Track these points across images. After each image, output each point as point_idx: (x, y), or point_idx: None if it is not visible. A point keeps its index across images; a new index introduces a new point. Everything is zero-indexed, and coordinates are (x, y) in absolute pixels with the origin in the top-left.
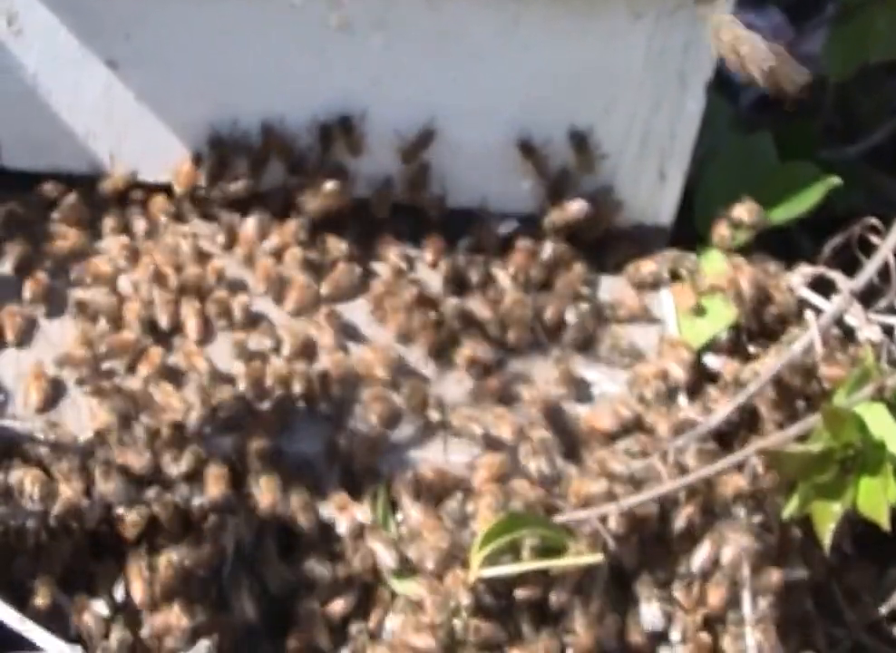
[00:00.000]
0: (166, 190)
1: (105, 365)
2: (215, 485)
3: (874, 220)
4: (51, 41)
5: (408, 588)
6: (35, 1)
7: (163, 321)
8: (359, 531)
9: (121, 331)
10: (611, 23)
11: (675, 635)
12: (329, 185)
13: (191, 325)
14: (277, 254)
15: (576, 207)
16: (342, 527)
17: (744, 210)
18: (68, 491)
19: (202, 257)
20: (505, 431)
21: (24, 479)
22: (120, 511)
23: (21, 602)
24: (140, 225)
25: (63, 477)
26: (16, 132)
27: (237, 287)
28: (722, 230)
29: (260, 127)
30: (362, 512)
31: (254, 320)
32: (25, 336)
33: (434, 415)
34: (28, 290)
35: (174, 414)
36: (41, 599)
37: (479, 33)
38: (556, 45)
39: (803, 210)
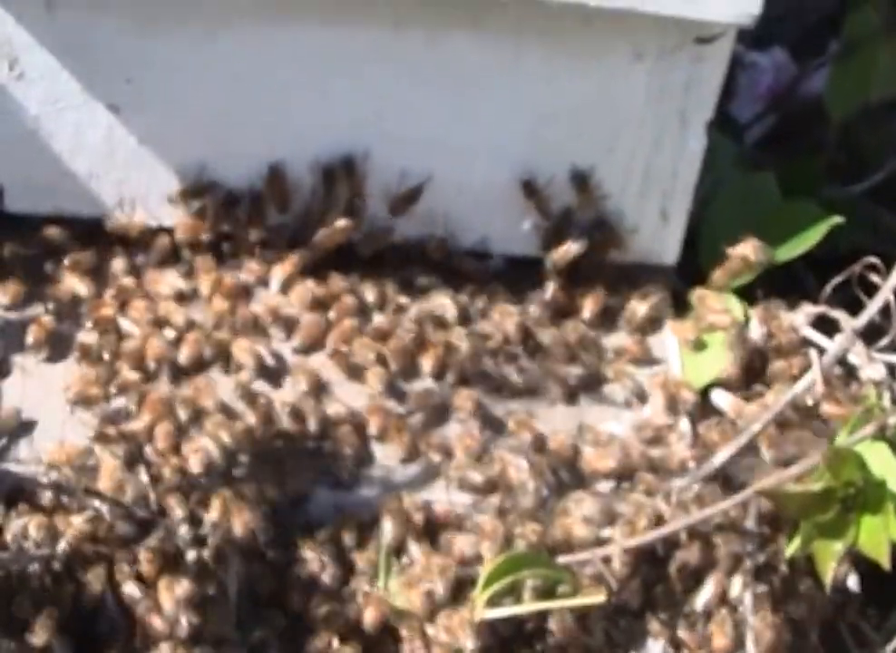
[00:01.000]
0: (167, 230)
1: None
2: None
3: (875, 260)
4: (52, 85)
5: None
6: (36, 45)
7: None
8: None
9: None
10: (612, 62)
11: None
12: (341, 223)
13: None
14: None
15: (577, 247)
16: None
17: (748, 248)
18: (72, 534)
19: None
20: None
21: (29, 524)
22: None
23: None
24: (142, 266)
25: (67, 521)
26: (19, 176)
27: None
28: (726, 269)
29: (265, 172)
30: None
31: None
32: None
33: (436, 457)
34: (32, 335)
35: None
36: (37, 639)
37: (480, 71)
38: (557, 84)
39: (805, 249)
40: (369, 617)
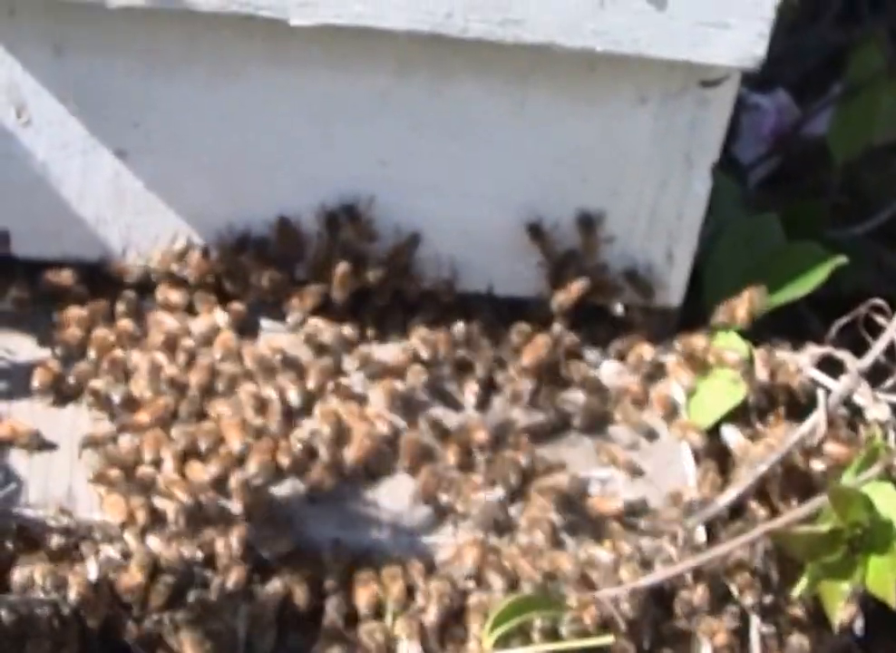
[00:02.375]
0: (171, 275)
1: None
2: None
3: (880, 301)
4: (60, 130)
5: None
6: (44, 91)
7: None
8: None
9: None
10: (617, 105)
11: None
12: (342, 267)
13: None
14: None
15: (583, 289)
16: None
17: (746, 296)
18: (80, 581)
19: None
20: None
21: (35, 572)
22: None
23: None
24: (150, 311)
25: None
26: (26, 221)
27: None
28: (727, 312)
29: (272, 218)
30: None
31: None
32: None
33: (445, 499)
34: (38, 379)
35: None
36: None
37: (484, 117)
38: (562, 128)
39: (808, 289)
40: None
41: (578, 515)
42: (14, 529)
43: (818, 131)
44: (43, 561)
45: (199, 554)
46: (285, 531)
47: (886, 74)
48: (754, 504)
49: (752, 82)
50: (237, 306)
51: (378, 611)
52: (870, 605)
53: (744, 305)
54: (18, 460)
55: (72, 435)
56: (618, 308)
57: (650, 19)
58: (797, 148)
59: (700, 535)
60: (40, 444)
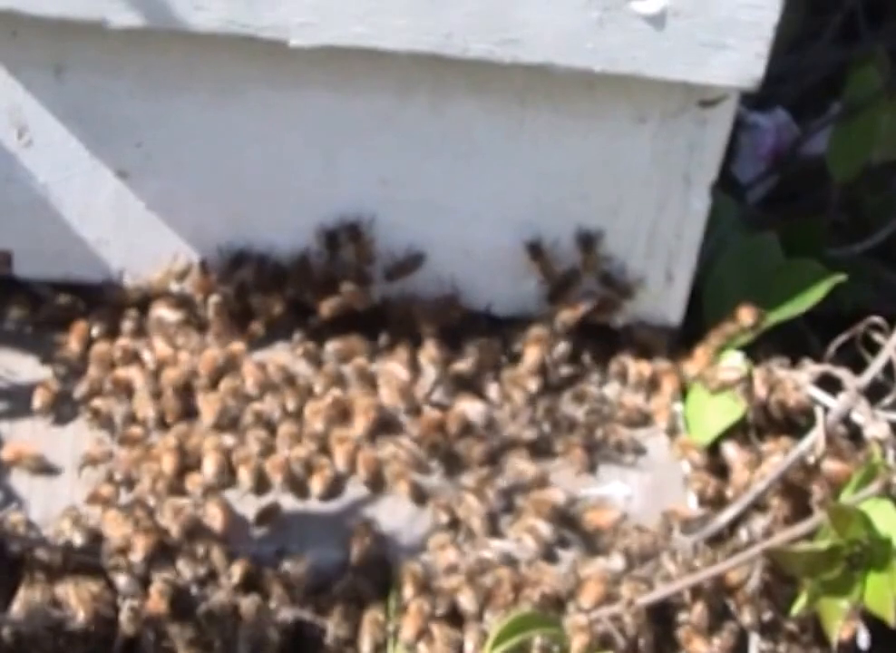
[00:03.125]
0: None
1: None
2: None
3: (878, 319)
4: (61, 151)
5: None
6: (45, 112)
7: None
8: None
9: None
10: (616, 125)
11: None
12: (347, 287)
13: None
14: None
15: (584, 308)
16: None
17: (746, 313)
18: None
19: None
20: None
21: (36, 592)
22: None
23: None
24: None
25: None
26: (28, 242)
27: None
28: (724, 331)
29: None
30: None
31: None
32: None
33: (443, 517)
34: (38, 398)
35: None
36: None
37: (485, 137)
38: (561, 148)
39: (808, 306)
40: None
41: (573, 529)
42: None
43: (817, 150)
44: (45, 581)
45: (201, 570)
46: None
47: (884, 94)
48: (752, 522)
49: (751, 101)
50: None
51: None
52: (869, 620)
53: (738, 324)
54: (19, 479)
55: (73, 454)
56: (619, 326)
57: (648, 39)
58: (796, 167)
59: (699, 552)
60: (43, 466)
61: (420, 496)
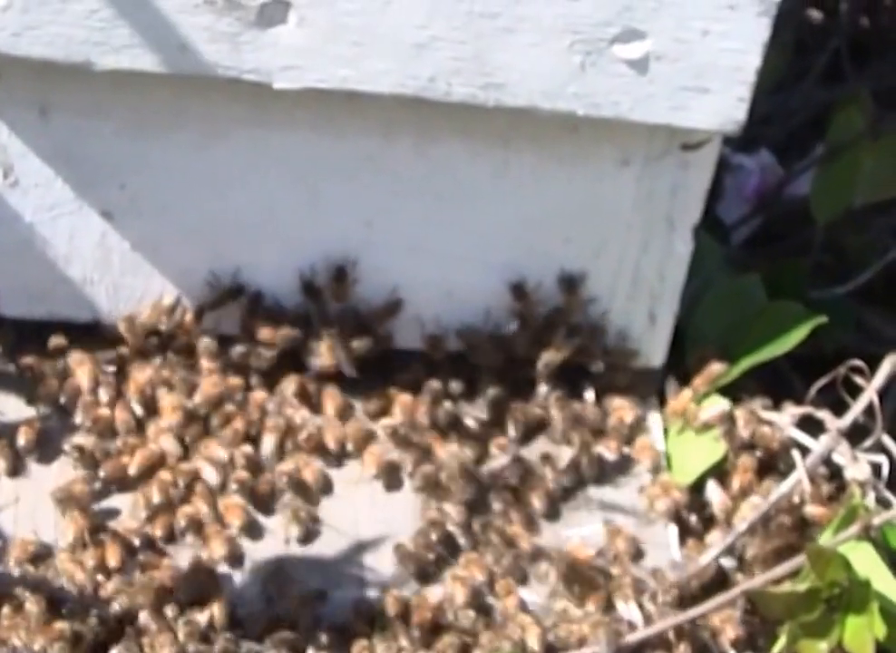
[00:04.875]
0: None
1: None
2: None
3: (859, 362)
4: (46, 192)
5: None
6: (31, 153)
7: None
8: None
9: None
10: (599, 168)
11: None
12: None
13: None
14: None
15: (567, 350)
16: None
17: (712, 365)
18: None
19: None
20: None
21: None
22: None
23: None
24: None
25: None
26: (13, 281)
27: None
28: (709, 375)
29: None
30: None
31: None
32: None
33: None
34: (23, 436)
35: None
36: None
37: (469, 178)
38: (545, 190)
39: (788, 348)
40: None
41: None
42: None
43: (801, 192)
44: (27, 623)
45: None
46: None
47: (867, 136)
48: (733, 562)
49: (735, 142)
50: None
51: None
52: None
53: (708, 374)
54: (3, 517)
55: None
56: (600, 368)
57: (631, 83)
58: (780, 208)
59: (681, 593)
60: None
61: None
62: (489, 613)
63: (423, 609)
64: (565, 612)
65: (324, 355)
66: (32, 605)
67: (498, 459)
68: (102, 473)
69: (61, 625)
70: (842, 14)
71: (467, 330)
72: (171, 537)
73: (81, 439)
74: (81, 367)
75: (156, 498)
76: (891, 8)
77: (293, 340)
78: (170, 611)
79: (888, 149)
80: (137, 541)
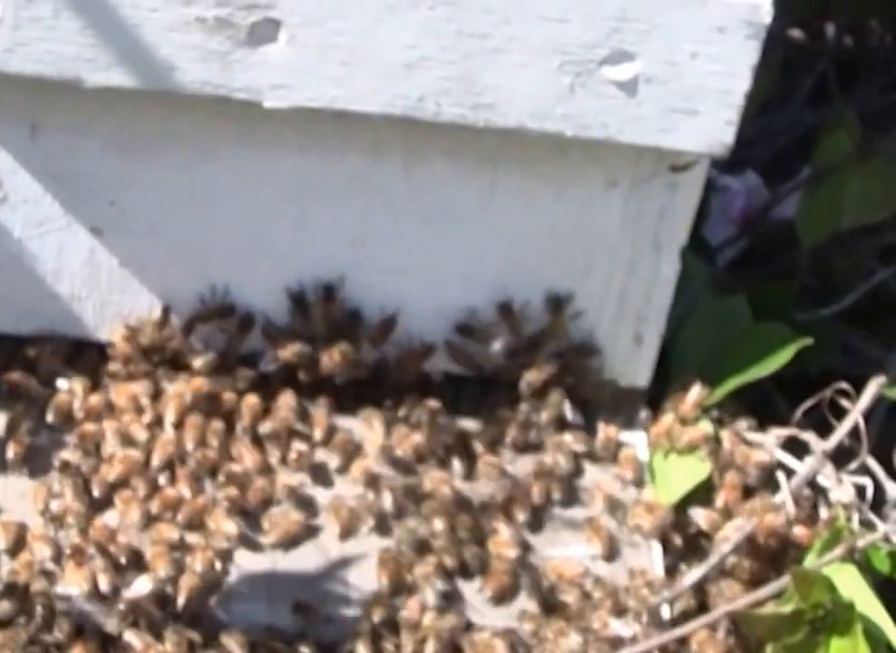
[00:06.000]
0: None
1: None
2: None
3: (845, 385)
4: (36, 208)
5: None
6: (20, 169)
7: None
8: None
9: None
10: (587, 189)
11: None
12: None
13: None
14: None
15: (551, 369)
16: None
17: (697, 389)
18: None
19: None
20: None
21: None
22: None
23: None
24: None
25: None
26: (1, 297)
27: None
28: (689, 400)
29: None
30: None
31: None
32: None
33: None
34: (11, 451)
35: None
36: None
37: (456, 199)
38: (533, 211)
39: (773, 370)
40: None
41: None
42: None
43: (787, 214)
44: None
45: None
46: None
47: (854, 159)
48: (717, 583)
49: (722, 164)
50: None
51: None
52: None
53: (693, 397)
54: None
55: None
56: (584, 388)
57: (620, 105)
58: (766, 230)
59: (664, 614)
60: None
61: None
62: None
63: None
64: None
65: (323, 363)
66: None
67: (484, 478)
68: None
69: None
70: (828, 35)
71: (455, 346)
72: None
73: (66, 454)
74: (71, 383)
75: None
76: (877, 30)
77: (302, 356)
78: None
79: (874, 172)
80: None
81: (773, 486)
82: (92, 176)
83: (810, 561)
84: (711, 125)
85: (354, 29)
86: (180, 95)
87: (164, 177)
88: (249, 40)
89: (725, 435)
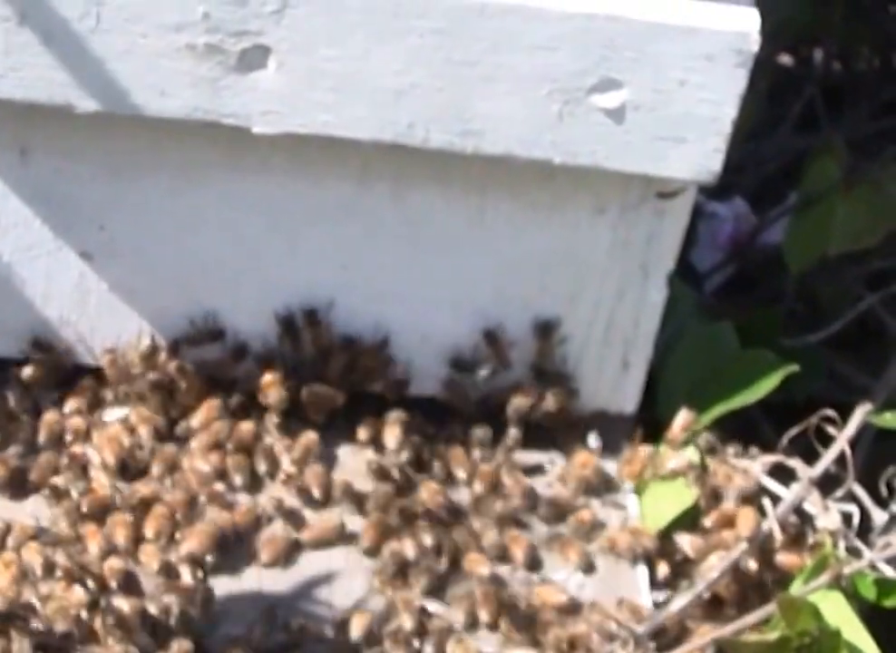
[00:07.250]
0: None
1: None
2: None
3: (831, 412)
4: (25, 232)
5: None
6: (10, 193)
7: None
8: None
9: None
10: (575, 216)
11: None
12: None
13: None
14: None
15: (538, 395)
16: None
17: (685, 414)
18: None
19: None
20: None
21: None
22: None
23: None
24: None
25: None
26: None
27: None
28: (677, 427)
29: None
30: None
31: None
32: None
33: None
34: None
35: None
36: None
37: (445, 225)
38: (521, 237)
39: (760, 396)
40: None
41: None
42: None
43: (774, 240)
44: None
45: None
46: None
47: (842, 186)
48: (703, 610)
49: (710, 190)
50: None
51: None
52: None
53: (680, 423)
54: None
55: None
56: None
57: (608, 132)
58: (754, 256)
59: (650, 641)
60: None
61: None
62: None
63: None
64: None
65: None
66: None
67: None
68: None
69: None
70: (815, 60)
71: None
72: None
73: (56, 478)
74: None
75: None
76: (865, 55)
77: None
78: None
79: (862, 198)
80: None
81: (759, 512)
82: (81, 200)
83: (796, 588)
84: (699, 153)
85: (343, 56)
86: (169, 121)
87: (154, 202)
88: (239, 66)
89: (712, 462)
